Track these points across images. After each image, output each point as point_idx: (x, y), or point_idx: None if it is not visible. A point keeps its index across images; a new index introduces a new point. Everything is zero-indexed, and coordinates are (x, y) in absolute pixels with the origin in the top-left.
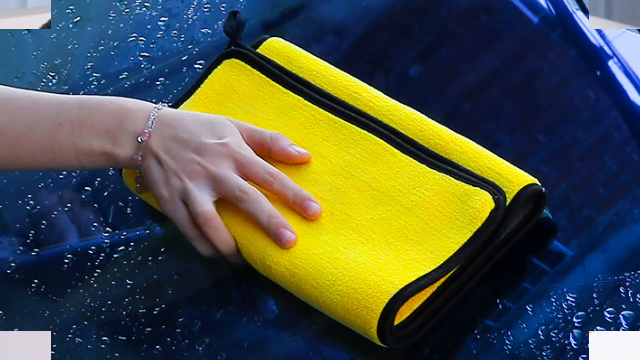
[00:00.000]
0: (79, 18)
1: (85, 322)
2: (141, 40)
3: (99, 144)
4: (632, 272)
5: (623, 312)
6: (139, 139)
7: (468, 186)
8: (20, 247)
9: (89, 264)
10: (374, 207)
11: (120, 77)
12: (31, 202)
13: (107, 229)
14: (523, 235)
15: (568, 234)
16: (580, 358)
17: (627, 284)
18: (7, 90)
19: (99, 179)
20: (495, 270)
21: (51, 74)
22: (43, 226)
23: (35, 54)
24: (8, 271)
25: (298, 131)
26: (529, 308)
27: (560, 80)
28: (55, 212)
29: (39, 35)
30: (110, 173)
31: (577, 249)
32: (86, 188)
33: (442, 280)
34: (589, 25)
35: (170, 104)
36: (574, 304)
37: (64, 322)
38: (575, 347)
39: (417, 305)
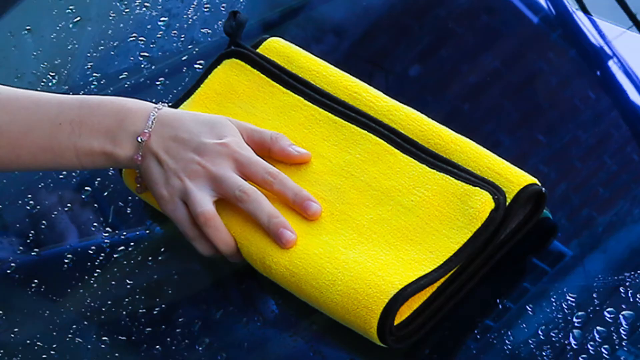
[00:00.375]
0: (79, 18)
1: (85, 322)
2: (141, 40)
3: (99, 144)
4: (632, 272)
5: (623, 312)
6: (139, 139)
7: (468, 186)
8: (20, 247)
9: (89, 264)
10: (374, 207)
11: (120, 77)
12: (31, 202)
13: (107, 229)
14: (523, 235)
15: (568, 234)
16: (580, 358)
17: (627, 284)
18: (7, 90)
19: (99, 179)
20: (495, 270)
21: (51, 74)
22: (43, 226)
23: (35, 54)
24: (8, 271)
25: (298, 131)
26: (529, 308)
27: (560, 80)
28: (55, 212)
29: (39, 35)
30: (110, 173)
31: (577, 249)
32: (86, 188)
33: (442, 280)
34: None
35: (170, 104)
36: (574, 304)
37: (64, 322)
38: (575, 347)
39: (417, 305)
